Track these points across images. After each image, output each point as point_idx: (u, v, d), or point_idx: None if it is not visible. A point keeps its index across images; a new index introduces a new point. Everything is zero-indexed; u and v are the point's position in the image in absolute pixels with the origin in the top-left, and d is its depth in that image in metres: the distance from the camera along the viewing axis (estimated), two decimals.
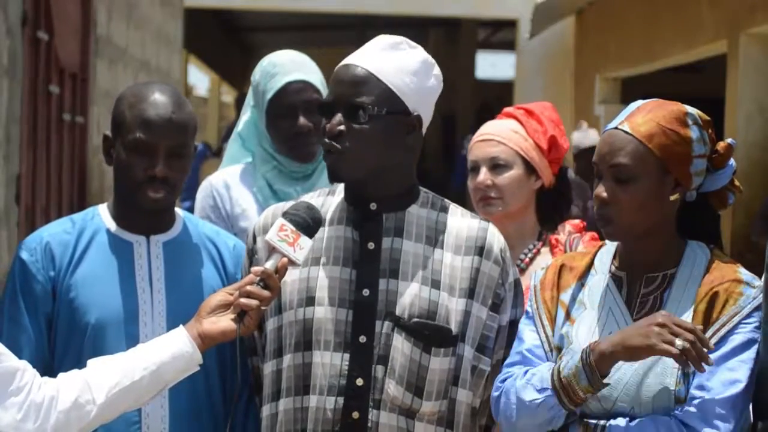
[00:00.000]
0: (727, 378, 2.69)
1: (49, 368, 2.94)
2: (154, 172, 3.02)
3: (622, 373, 2.75)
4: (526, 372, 2.81)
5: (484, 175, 3.61)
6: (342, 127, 2.88)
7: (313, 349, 2.90)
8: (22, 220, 5.91)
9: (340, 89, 2.91)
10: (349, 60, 2.94)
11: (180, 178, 3.08)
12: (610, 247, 2.93)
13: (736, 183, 2.89)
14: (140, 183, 3.03)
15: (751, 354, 2.71)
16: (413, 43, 2.99)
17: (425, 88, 2.96)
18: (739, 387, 2.68)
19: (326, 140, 2.90)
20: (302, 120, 3.90)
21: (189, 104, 3.13)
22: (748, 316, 2.73)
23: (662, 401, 2.71)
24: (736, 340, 2.72)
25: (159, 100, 3.05)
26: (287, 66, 3.96)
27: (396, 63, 2.92)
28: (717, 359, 2.69)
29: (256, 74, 4.03)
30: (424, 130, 3.00)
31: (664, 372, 2.72)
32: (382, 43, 2.96)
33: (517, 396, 2.78)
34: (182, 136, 3.06)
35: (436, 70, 3.00)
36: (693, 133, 2.79)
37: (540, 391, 2.74)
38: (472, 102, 20.46)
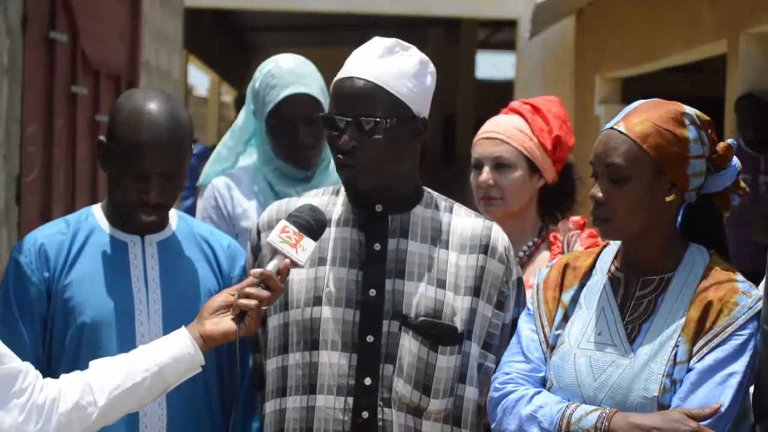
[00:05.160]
0: (712, 394, 2.67)
1: (45, 369, 2.94)
2: (147, 199, 3.01)
3: (608, 376, 2.75)
4: (532, 397, 2.81)
5: (486, 174, 3.61)
6: (354, 143, 2.89)
7: (320, 348, 2.92)
8: (25, 221, 5.91)
9: (347, 103, 2.91)
10: (349, 72, 2.93)
11: (174, 197, 3.07)
12: (613, 247, 2.92)
13: (742, 184, 2.87)
14: (133, 205, 3.03)
15: (739, 366, 2.69)
16: (406, 44, 2.99)
17: (425, 88, 2.97)
18: (722, 407, 2.66)
19: (339, 156, 2.91)
20: (302, 134, 3.89)
21: (185, 118, 3.06)
22: (742, 327, 2.70)
23: (645, 408, 2.71)
24: (726, 350, 2.69)
25: (154, 122, 2.98)
26: (286, 77, 3.92)
27: (396, 69, 2.92)
28: (705, 371, 2.69)
29: (256, 81, 4.00)
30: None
31: (649, 378, 2.72)
32: (377, 49, 2.95)
33: (519, 426, 2.79)
34: (176, 161, 3.02)
35: (431, 67, 3.01)
36: (690, 133, 2.77)
37: (544, 431, 2.74)
38: (472, 102, 20.46)
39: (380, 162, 2.91)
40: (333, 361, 2.92)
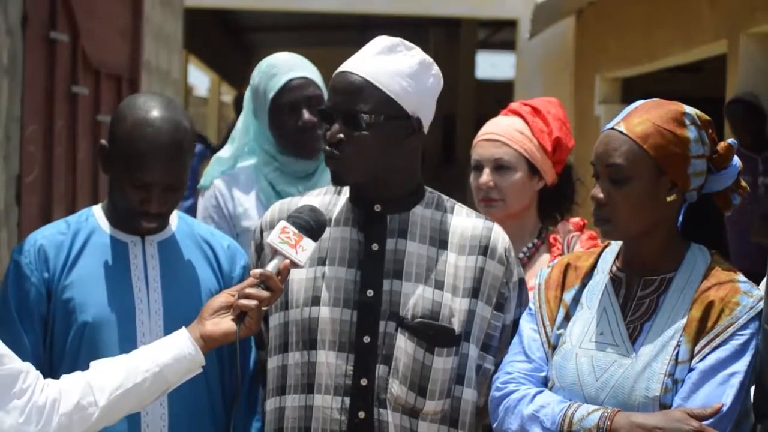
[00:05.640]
0: (714, 394, 2.68)
1: (46, 370, 2.93)
2: (148, 209, 3.01)
3: (609, 375, 2.76)
4: (534, 397, 2.81)
5: (487, 176, 3.61)
6: (341, 135, 2.90)
7: (317, 348, 2.94)
8: (25, 222, 5.92)
9: (338, 97, 2.93)
10: (345, 67, 2.95)
11: (175, 205, 3.08)
12: (615, 246, 2.93)
13: (743, 184, 2.88)
14: (135, 213, 3.03)
15: (741, 366, 2.69)
16: (410, 44, 2.98)
17: (424, 89, 2.96)
18: (724, 407, 2.67)
19: (327, 147, 2.93)
20: (307, 115, 3.94)
21: (187, 127, 3.03)
22: (744, 326, 2.71)
23: (647, 407, 2.71)
24: (728, 350, 2.70)
25: (156, 134, 2.96)
26: (285, 65, 4.01)
27: (392, 67, 2.92)
28: (707, 370, 2.69)
29: (255, 78, 4.06)
30: (426, 129, 3.01)
31: (651, 378, 2.72)
32: (378, 46, 2.96)
33: (521, 425, 2.79)
34: (178, 173, 3.02)
35: (435, 69, 3.00)
36: (690, 133, 2.78)
37: (546, 430, 2.75)
38: (472, 102, 20.47)
39: (365, 157, 2.91)
40: (330, 361, 2.93)
